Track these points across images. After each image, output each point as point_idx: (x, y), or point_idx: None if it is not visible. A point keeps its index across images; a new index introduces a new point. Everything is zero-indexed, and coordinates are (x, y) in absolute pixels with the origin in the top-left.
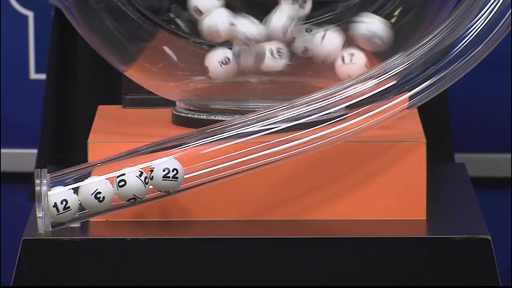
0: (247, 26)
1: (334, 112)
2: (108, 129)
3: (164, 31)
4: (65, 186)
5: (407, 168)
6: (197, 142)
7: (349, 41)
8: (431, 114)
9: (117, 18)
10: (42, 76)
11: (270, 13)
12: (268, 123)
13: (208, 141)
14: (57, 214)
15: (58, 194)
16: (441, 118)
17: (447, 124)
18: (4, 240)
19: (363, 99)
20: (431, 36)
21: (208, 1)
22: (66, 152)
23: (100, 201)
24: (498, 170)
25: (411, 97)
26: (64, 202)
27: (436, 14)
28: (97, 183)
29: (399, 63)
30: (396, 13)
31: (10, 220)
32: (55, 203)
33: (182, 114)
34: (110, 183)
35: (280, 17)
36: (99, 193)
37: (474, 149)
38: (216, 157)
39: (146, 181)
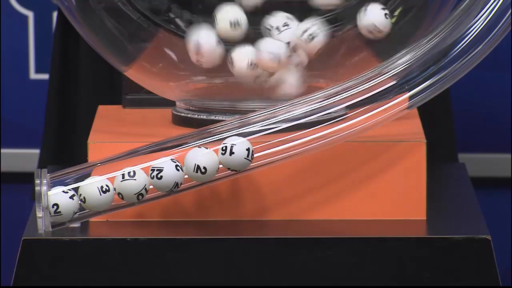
0: None
1: (334, 112)
2: (108, 129)
3: (164, 31)
4: (65, 186)
5: (407, 168)
6: (197, 142)
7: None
8: (434, 114)
9: (117, 18)
10: (42, 76)
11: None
12: (268, 123)
13: (208, 141)
14: (50, 216)
15: (56, 196)
16: (445, 118)
17: (450, 125)
18: (4, 240)
19: (363, 99)
20: (431, 36)
21: None
22: (68, 152)
23: (104, 193)
24: (498, 170)
25: (411, 97)
26: (55, 207)
27: (436, 14)
28: (97, 183)
29: (399, 63)
30: (396, 13)
31: (10, 220)
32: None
33: (182, 114)
34: (111, 183)
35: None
36: (103, 187)
37: (474, 149)
38: None
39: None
